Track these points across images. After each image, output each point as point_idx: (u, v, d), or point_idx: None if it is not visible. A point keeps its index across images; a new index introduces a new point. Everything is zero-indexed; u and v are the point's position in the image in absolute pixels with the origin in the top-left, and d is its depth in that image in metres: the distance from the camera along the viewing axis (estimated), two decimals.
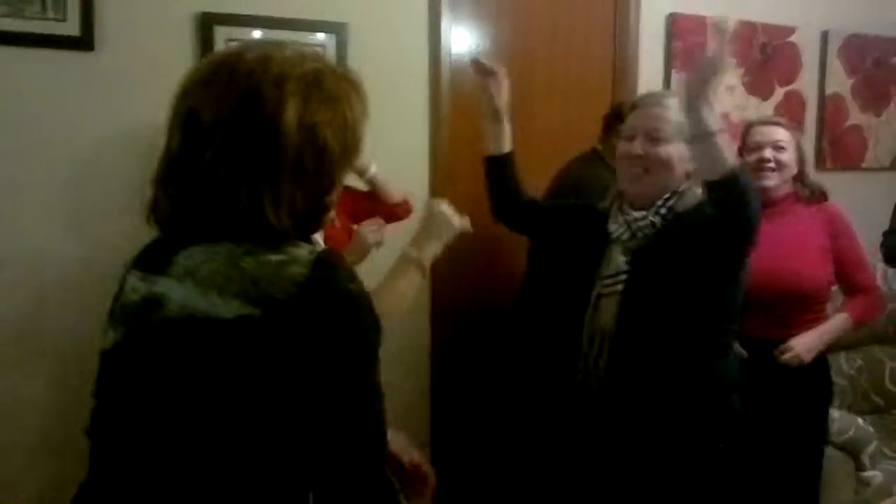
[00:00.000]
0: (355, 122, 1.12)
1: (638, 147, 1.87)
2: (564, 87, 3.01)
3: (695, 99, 1.64)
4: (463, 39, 2.85)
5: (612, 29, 3.09)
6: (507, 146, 2.11)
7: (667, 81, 3.16)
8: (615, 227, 1.94)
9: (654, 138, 1.86)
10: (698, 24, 3.19)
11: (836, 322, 2.42)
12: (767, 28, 3.38)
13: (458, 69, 2.80)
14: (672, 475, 1.89)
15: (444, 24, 2.77)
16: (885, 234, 2.99)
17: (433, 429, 2.91)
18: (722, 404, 1.93)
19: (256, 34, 2.48)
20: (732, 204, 1.70)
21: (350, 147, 1.12)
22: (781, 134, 2.41)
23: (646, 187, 1.88)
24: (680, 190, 1.89)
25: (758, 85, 3.39)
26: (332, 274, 1.06)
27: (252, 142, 1.05)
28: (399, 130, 2.71)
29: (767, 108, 3.42)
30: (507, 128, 2.09)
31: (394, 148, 2.64)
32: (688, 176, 1.88)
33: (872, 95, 3.74)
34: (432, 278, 2.79)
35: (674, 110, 1.85)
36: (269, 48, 1.11)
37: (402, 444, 1.39)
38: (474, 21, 2.88)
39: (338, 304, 1.05)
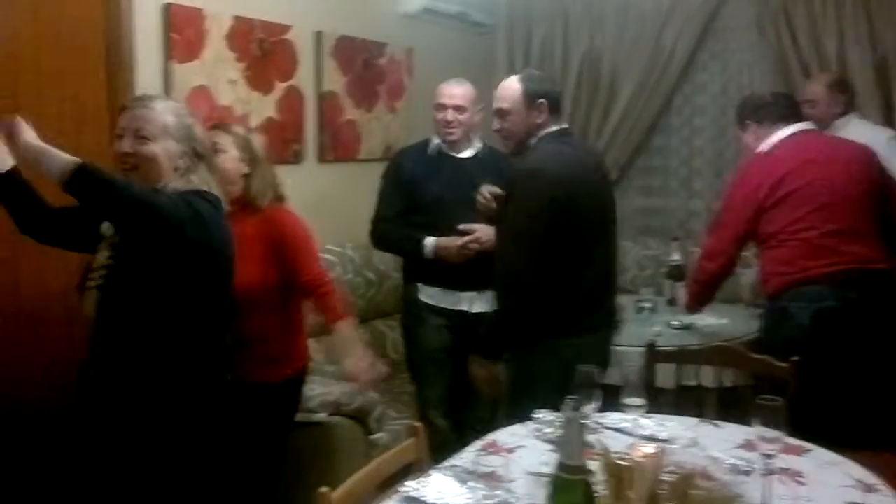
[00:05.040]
0: None
1: (126, 145, 2.03)
2: (56, 72, 2.77)
3: (33, 159, 1.88)
4: None
5: (104, 16, 2.90)
6: (7, 163, 2.12)
7: (166, 73, 3.09)
8: (103, 225, 2.13)
9: (140, 136, 2.05)
10: (195, 15, 3.19)
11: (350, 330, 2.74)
12: (264, 25, 3.51)
13: None
14: (156, 443, 2.08)
15: None
16: (377, 221, 3.32)
17: None
18: (206, 377, 2.17)
19: None
20: (93, 194, 1.89)
21: None
22: (222, 137, 2.56)
23: (137, 182, 2.01)
24: (161, 186, 2.07)
25: (259, 80, 3.50)
26: None
27: None
28: None
29: (269, 103, 3.56)
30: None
31: None
32: (176, 172, 2.10)
33: (363, 94, 4.11)
34: None
35: (160, 111, 2.08)
36: None
37: None
38: None
39: None
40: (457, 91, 3.24)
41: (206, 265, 2.09)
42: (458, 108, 3.22)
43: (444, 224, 3.15)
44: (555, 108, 2.70)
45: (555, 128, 2.70)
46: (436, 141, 3.31)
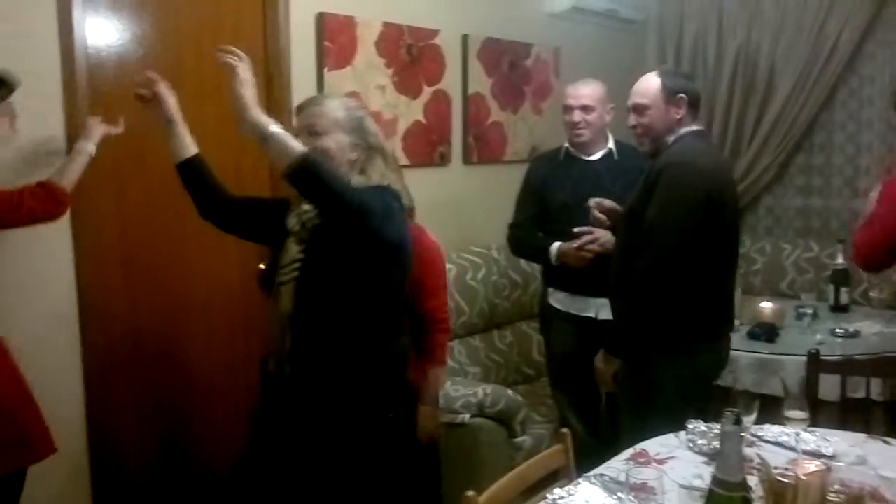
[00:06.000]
0: None
1: (300, 142, 2.03)
2: (216, 88, 2.92)
3: (242, 111, 1.92)
4: (100, 32, 2.66)
5: (262, 27, 3.05)
6: (191, 149, 2.28)
7: (319, 80, 3.20)
8: (290, 221, 2.16)
9: (312, 133, 2.10)
10: (347, 23, 3.28)
11: (440, 383, 2.64)
12: (412, 30, 3.56)
13: (97, 64, 2.61)
14: (346, 444, 2.11)
15: (77, 15, 2.55)
16: (511, 227, 3.30)
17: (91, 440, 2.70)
18: (393, 378, 2.19)
19: None
20: (311, 185, 1.92)
21: None
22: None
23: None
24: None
25: (407, 84, 3.56)
26: None
27: None
28: (32, 131, 2.45)
29: (417, 107, 3.61)
30: (185, 132, 2.26)
31: (28, 153, 2.43)
32: (351, 164, 2.13)
33: (509, 95, 4.11)
34: (79, 287, 2.60)
35: (329, 107, 2.13)
36: None
37: None
38: (112, 13, 2.69)
39: None
40: (583, 91, 3.16)
41: (394, 262, 2.12)
42: (585, 108, 3.13)
43: (570, 230, 3.07)
44: (694, 105, 2.61)
45: (694, 127, 2.62)
46: (565, 145, 3.25)
